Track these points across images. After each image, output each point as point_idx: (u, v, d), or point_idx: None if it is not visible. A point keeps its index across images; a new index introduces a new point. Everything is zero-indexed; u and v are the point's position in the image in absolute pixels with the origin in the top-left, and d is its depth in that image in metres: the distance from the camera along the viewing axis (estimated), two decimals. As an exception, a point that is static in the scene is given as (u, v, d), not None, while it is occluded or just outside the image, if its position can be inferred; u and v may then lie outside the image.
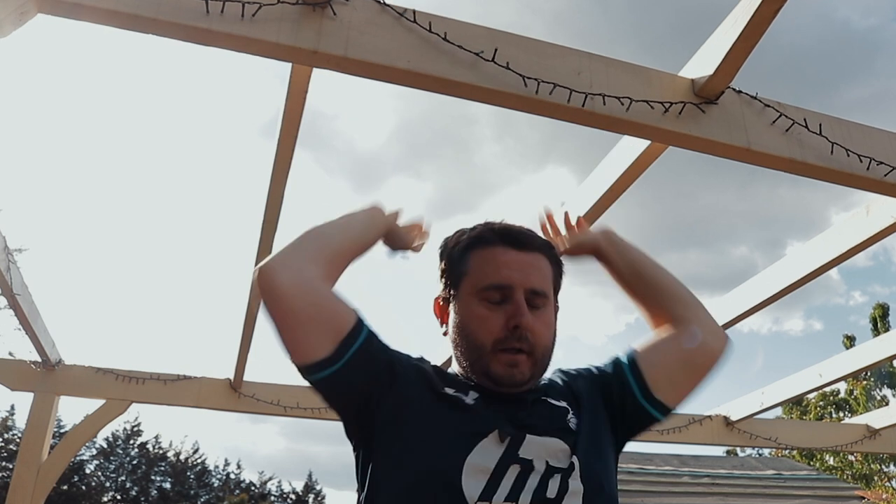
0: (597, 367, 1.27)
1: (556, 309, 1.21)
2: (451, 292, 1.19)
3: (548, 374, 1.22)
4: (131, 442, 30.90)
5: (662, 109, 1.80)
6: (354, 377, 1.08)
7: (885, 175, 1.98)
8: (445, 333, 1.21)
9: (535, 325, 1.12)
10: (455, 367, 1.19)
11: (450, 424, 1.06)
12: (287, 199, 2.41)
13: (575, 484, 1.03)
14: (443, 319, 1.22)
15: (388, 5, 1.66)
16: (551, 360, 1.17)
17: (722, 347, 1.25)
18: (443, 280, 1.22)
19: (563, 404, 1.15)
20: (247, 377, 4.15)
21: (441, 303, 1.23)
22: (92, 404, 4.13)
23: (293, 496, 35.37)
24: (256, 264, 2.90)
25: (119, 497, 29.21)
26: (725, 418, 4.74)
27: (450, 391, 1.11)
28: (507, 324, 1.10)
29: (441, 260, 1.24)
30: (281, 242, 1.16)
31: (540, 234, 1.29)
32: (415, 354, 1.20)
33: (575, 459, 1.05)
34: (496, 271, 1.13)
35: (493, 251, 1.16)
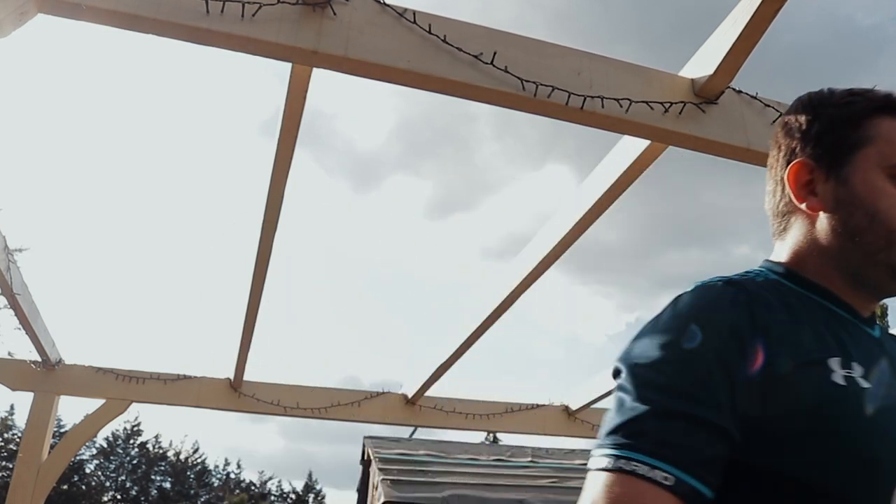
0: None
1: None
2: (835, 159, 0.93)
3: None
4: (131, 442, 30.92)
5: (662, 109, 1.80)
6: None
7: (885, 175, 1.98)
8: (812, 209, 0.93)
9: None
10: (814, 258, 0.93)
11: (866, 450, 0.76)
12: (287, 199, 2.41)
13: None
14: (806, 191, 0.94)
15: (388, 5, 1.66)
16: None
17: None
18: (817, 141, 0.95)
19: None
20: (247, 377, 4.15)
21: (806, 170, 0.94)
22: (92, 404, 4.14)
23: (293, 496, 35.41)
24: (256, 264, 2.93)
25: (119, 497, 29.21)
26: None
27: (839, 370, 0.79)
28: None
29: (814, 116, 0.98)
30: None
31: None
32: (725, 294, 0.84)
33: None
34: None
35: None
